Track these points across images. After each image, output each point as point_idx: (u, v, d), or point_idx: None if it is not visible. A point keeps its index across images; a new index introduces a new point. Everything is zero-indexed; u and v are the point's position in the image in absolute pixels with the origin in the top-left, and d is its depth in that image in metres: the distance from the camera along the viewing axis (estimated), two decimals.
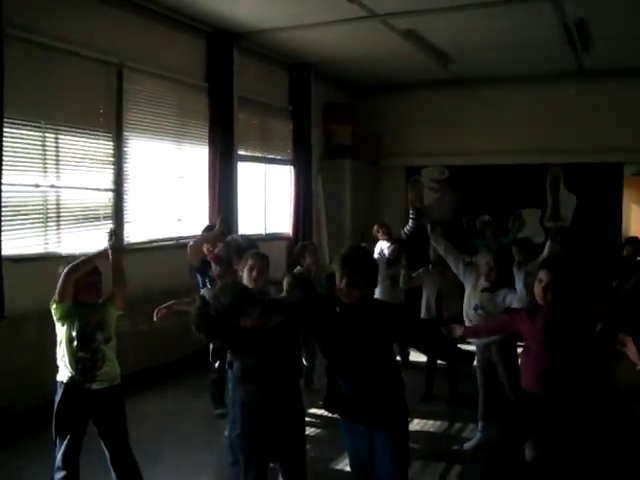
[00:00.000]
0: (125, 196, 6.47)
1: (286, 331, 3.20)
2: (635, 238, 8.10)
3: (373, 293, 3.06)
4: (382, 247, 7.34)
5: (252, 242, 5.20)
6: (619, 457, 4.55)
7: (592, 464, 3.69)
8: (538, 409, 3.69)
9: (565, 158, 9.82)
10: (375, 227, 7.52)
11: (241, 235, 6.08)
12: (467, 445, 4.95)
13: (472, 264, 5.03)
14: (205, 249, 5.01)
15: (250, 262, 3.99)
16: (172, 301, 4.03)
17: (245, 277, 3.96)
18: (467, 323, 4.82)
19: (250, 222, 8.55)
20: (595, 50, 8.30)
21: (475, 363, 4.98)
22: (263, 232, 8.82)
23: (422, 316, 6.05)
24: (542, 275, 3.59)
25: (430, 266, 6.10)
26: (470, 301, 4.84)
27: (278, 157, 9.26)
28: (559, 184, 10.03)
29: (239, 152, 8.07)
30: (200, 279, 5.41)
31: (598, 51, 8.35)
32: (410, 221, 7.56)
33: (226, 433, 4.68)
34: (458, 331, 3.86)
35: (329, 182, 9.92)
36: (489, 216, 8.30)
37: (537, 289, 3.61)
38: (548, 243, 5.41)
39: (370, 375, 3.03)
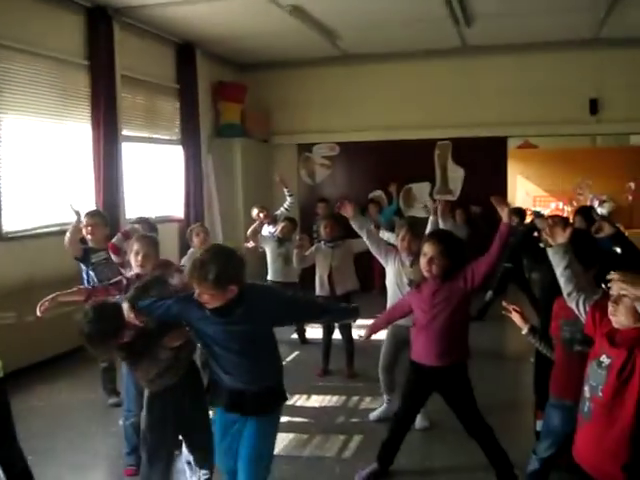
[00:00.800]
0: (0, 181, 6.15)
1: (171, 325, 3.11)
2: (519, 208, 8.43)
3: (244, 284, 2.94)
4: (268, 229, 7.31)
5: (152, 226, 5.07)
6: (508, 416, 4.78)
7: (484, 428, 3.80)
8: (429, 379, 3.79)
9: (452, 133, 10.10)
10: (254, 211, 7.41)
11: (141, 218, 5.87)
12: (372, 415, 5.03)
13: (391, 245, 5.03)
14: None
15: (135, 247, 3.87)
16: (56, 293, 3.85)
17: (132, 262, 3.85)
18: (394, 296, 4.81)
19: (138, 205, 8.31)
20: (477, 26, 8.53)
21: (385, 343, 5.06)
22: (153, 215, 8.58)
23: (317, 293, 6.04)
24: (426, 248, 3.67)
25: (322, 243, 6.09)
26: (402, 279, 4.73)
27: (166, 137, 9.03)
28: (447, 158, 10.30)
29: (124, 132, 7.80)
30: (83, 268, 5.26)
31: (480, 27, 8.58)
32: (288, 198, 7.58)
33: (120, 422, 4.56)
34: (369, 331, 4.08)
35: (220, 162, 9.78)
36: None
37: (422, 262, 3.69)
38: (431, 218, 5.47)
39: (250, 364, 2.99)
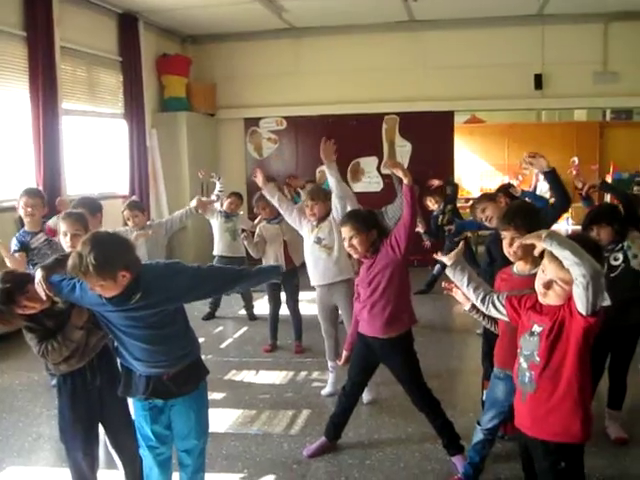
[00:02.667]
0: None
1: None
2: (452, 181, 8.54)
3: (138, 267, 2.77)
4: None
5: (95, 205, 4.84)
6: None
7: (431, 400, 3.84)
8: (374, 351, 3.80)
9: (400, 107, 10.12)
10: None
11: (82, 199, 5.66)
12: (324, 391, 5.03)
13: (301, 210, 5.02)
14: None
15: (62, 227, 3.74)
16: None
17: (62, 244, 3.72)
18: (311, 262, 4.89)
19: (81, 181, 8.11)
20: (424, 0, 8.51)
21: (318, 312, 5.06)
22: (96, 192, 8.38)
23: None
24: (344, 233, 3.70)
25: (265, 222, 6.04)
26: (311, 239, 4.82)
27: (109, 111, 8.82)
28: (395, 132, 10.30)
29: (64, 106, 7.58)
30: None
31: (427, 1, 8.59)
32: (217, 184, 7.47)
33: None
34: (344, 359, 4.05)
35: (165, 136, 9.60)
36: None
37: (346, 247, 3.73)
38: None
39: (161, 349, 2.85)
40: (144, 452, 3.03)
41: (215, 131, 10.71)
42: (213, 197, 6.75)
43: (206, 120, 10.43)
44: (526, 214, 3.21)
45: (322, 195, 4.88)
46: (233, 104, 10.55)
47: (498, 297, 2.77)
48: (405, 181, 3.58)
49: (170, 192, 9.50)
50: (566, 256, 2.24)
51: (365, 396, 4.72)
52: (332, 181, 4.71)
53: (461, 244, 3.03)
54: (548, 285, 2.47)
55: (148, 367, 2.87)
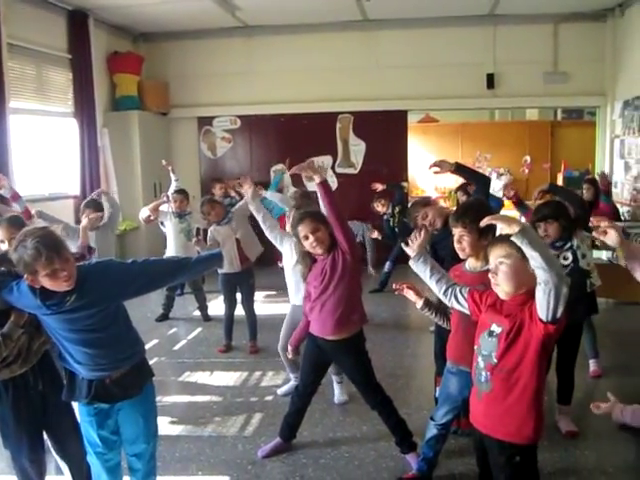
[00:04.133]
0: None
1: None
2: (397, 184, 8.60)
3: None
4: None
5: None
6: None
7: (383, 399, 3.84)
8: (325, 351, 3.79)
9: (353, 106, 10.12)
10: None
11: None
12: (280, 390, 5.01)
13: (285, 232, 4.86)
14: None
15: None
16: None
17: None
18: (292, 283, 4.72)
19: (30, 182, 7.92)
20: (378, 0, 8.54)
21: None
22: (46, 192, 8.21)
23: (225, 271, 5.92)
24: (302, 231, 3.63)
25: (215, 225, 5.97)
26: (294, 259, 4.63)
27: (58, 110, 8.64)
28: (348, 131, 10.32)
29: (12, 104, 7.38)
30: None
31: (381, 1, 8.60)
32: (174, 183, 7.46)
33: None
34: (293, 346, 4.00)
35: (117, 135, 9.43)
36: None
37: (305, 244, 3.67)
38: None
39: (102, 351, 2.79)
40: (92, 459, 2.97)
41: (168, 130, 10.57)
42: (163, 198, 6.64)
43: (159, 119, 10.29)
44: (477, 211, 3.22)
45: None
46: (186, 103, 10.43)
47: (460, 290, 2.78)
48: (316, 179, 3.58)
49: (122, 192, 9.33)
50: (535, 257, 2.23)
51: (337, 397, 4.79)
52: (258, 218, 4.50)
53: (423, 233, 2.99)
54: (495, 270, 2.49)
55: (90, 370, 2.80)
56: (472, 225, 3.12)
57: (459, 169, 4.35)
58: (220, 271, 5.93)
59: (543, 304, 2.29)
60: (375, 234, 7.59)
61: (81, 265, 2.75)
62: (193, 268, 3.07)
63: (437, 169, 4.30)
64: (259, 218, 4.46)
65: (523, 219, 4.44)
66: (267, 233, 4.47)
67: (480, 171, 4.78)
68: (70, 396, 2.88)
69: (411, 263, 2.94)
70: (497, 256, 2.47)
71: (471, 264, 3.27)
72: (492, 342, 2.53)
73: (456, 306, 2.84)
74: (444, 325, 3.40)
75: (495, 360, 2.51)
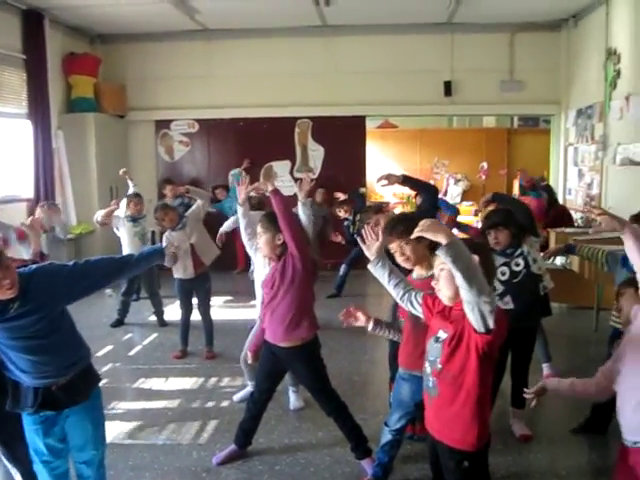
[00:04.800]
0: None
1: None
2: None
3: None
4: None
5: None
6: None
7: (337, 405, 3.84)
8: (279, 358, 3.78)
9: (312, 111, 10.13)
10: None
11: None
12: (236, 397, 4.96)
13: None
14: None
15: None
16: None
17: None
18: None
19: None
20: (336, 5, 8.57)
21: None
22: None
23: (180, 276, 5.86)
24: (257, 229, 3.71)
25: (169, 232, 5.86)
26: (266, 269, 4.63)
27: (12, 111, 8.44)
28: (307, 136, 10.32)
29: None
30: None
31: (339, 7, 8.63)
32: (132, 188, 7.35)
33: None
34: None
35: (72, 137, 9.26)
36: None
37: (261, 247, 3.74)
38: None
39: (47, 358, 2.74)
40: (38, 467, 2.90)
41: (125, 133, 10.44)
42: (113, 204, 6.51)
43: (115, 122, 10.15)
44: (406, 222, 3.20)
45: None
46: (144, 106, 10.31)
47: (415, 295, 2.79)
48: (269, 187, 3.64)
49: (78, 195, 9.20)
50: (456, 276, 2.24)
51: (292, 403, 4.77)
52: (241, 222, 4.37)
53: (381, 237, 2.98)
54: (437, 276, 2.50)
55: (35, 378, 2.75)
56: (406, 235, 3.12)
57: (406, 181, 4.39)
58: (175, 276, 5.88)
59: (471, 318, 2.31)
60: (339, 238, 7.63)
61: (22, 271, 2.68)
62: (137, 264, 3.08)
63: (385, 182, 4.33)
64: (243, 223, 4.29)
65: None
66: (245, 240, 4.35)
67: (428, 181, 4.82)
68: (14, 406, 2.81)
69: (370, 266, 2.93)
70: (439, 262, 2.48)
71: (417, 272, 3.31)
72: (437, 348, 2.54)
73: (412, 311, 2.85)
74: (395, 339, 3.46)
75: (440, 366, 2.52)
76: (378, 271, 2.89)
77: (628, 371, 2.46)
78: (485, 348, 2.35)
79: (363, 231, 2.94)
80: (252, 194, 5.62)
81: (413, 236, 2.35)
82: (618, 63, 7.72)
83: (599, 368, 2.70)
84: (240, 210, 4.26)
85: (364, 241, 2.91)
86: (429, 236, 2.26)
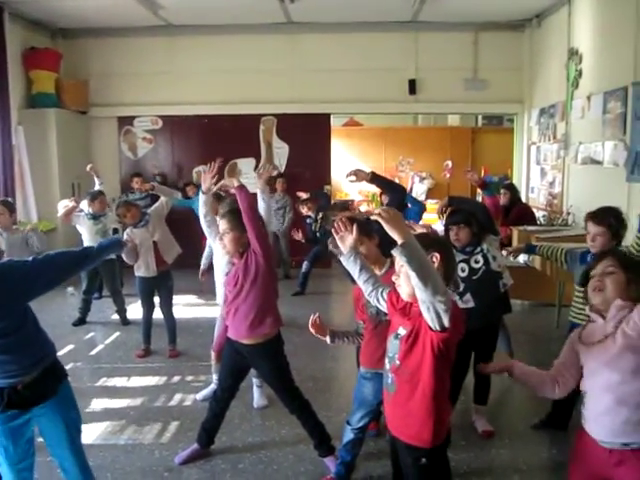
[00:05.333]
0: None
1: None
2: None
3: None
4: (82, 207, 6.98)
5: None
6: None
7: (301, 403, 3.83)
8: (242, 356, 3.76)
9: (277, 108, 10.11)
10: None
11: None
12: (199, 395, 4.93)
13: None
14: None
15: None
16: None
17: None
18: (222, 274, 4.66)
19: None
20: (301, 2, 8.54)
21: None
22: None
23: (142, 274, 5.79)
24: (221, 226, 3.69)
25: (131, 229, 5.81)
26: (225, 258, 4.57)
27: None
28: (272, 134, 10.29)
29: None
30: None
31: (304, 3, 8.61)
32: (98, 187, 7.23)
33: None
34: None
35: (32, 133, 9.09)
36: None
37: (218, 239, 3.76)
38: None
39: (11, 358, 2.70)
40: (3, 469, 2.86)
41: (87, 129, 10.28)
42: (72, 202, 6.39)
43: (77, 118, 10.00)
44: (361, 222, 3.19)
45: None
46: (106, 102, 10.17)
47: (382, 292, 2.77)
48: (235, 183, 3.62)
49: (39, 192, 9.05)
50: (411, 276, 2.23)
51: (256, 401, 4.75)
52: (202, 210, 4.37)
53: (355, 231, 2.96)
54: (398, 272, 2.50)
55: (1, 379, 2.70)
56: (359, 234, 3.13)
57: (375, 179, 4.40)
58: (137, 274, 5.81)
59: (427, 316, 2.31)
60: (299, 235, 7.62)
61: None
62: (96, 256, 3.08)
63: (353, 178, 4.33)
64: (204, 211, 4.32)
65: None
66: (205, 227, 4.42)
67: (396, 180, 4.87)
68: None
69: (342, 259, 2.90)
70: (392, 252, 2.47)
71: (375, 271, 3.31)
72: (396, 344, 2.54)
73: (380, 307, 2.85)
74: (357, 343, 3.46)
75: (398, 362, 2.52)
76: (350, 265, 2.86)
77: (603, 372, 2.42)
78: (441, 345, 2.35)
79: (335, 224, 2.92)
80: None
81: (373, 217, 2.30)
82: (580, 63, 7.82)
83: (555, 362, 2.69)
84: (203, 198, 4.26)
85: (337, 232, 2.89)
86: (387, 227, 2.24)
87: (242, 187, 3.64)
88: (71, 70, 10.03)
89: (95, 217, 6.69)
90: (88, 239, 6.70)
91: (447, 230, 4.14)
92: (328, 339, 3.31)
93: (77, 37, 10.10)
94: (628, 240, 3.94)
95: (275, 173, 9.49)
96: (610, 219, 3.82)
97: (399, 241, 2.21)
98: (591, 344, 2.48)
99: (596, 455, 2.45)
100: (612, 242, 3.82)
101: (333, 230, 2.93)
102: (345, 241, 2.86)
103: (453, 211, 4.27)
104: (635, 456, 2.37)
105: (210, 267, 5.30)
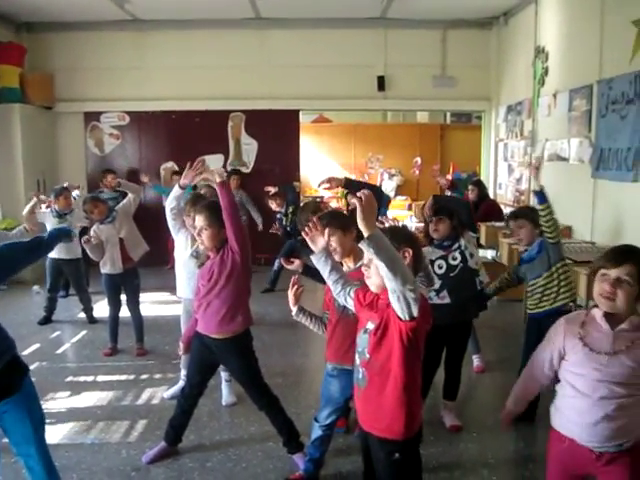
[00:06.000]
0: None
1: None
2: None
3: None
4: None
5: None
6: None
7: (269, 399, 3.82)
8: (211, 351, 3.74)
9: (245, 105, 10.05)
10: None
11: None
12: (166, 394, 4.89)
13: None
14: None
15: None
16: None
17: None
18: (183, 275, 4.69)
19: None
20: None
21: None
22: None
23: (107, 272, 5.73)
24: (197, 221, 3.65)
25: (97, 225, 5.75)
26: (188, 251, 4.66)
27: None
28: (240, 130, 10.23)
29: None
30: None
31: None
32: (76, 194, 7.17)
33: None
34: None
35: None
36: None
37: (195, 235, 3.73)
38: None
39: None
40: None
41: (53, 125, 10.12)
42: (33, 199, 6.24)
43: (43, 113, 9.83)
44: (332, 215, 3.32)
45: None
46: (73, 97, 10.01)
47: (349, 291, 2.77)
48: (217, 179, 3.58)
49: (2, 190, 8.90)
50: (380, 266, 2.23)
51: (225, 399, 4.72)
52: (171, 204, 4.44)
53: (326, 233, 2.95)
54: (368, 263, 2.49)
55: None
56: (331, 226, 3.18)
57: (349, 184, 4.40)
58: (103, 271, 5.75)
59: (396, 306, 2.31)
60: (275, 230, 7.60)
61: None
62: (47, 245, 3.10)
63: (327, 185, 4.32)
64: (174, 204, 4.37)
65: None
66: (169, 219, 4.48)
67: (370, 182, 4.90)
68: None
69: (313, 257, 2.89)
70: (360, 245, 2.46)
71: (346, 265, 3.34)
72: (365, 339, 2.55)
73: (347, 305, 2.84)
74: (319, 332, 3.44)
75: (367, 355, 2.52)
76: (320, 264, 2.85)
77: (609, 385, 2.36)
78: (410, 335, 2.35)
79: (307, 226, 2.91)
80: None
81: (353, 200, 2.26)
82: (546, 61, 7.89)
83: (536, 358, 2.67)
84: (177, 192, 4.30)
85: (307, 234, 2.88)
86: (361, 214, 2.21)
87: (224, 183, 3.59)
88: (36, 65, 9.87)
89: (60, 215, 6.58)
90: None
91: (427, 222, 4.18)
92: (294, 310, 3.30)
93: (42, 31, 9.94)
94: None
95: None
96: (527, 211, 4.28)
97: (366, 233, 2.20)
98: (595, 352, 2.37)
99: (581, 456, 2.44)
100: (535, 231, 4.18)
101: (303, 232, 2.92)
102: (316, 242, 2.86)
103: (435, 204, 4.31)
104: (625, 454, 2.38)
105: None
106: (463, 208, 4.35)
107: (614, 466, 2.39)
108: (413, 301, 2.26)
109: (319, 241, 2.86)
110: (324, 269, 2.85)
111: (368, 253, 2.25)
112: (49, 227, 6.58)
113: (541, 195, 4.07)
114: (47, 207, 6.61)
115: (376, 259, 2.22)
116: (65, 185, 6.98)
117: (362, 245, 2.22)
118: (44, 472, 2.98)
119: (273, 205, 8.06)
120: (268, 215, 8.59)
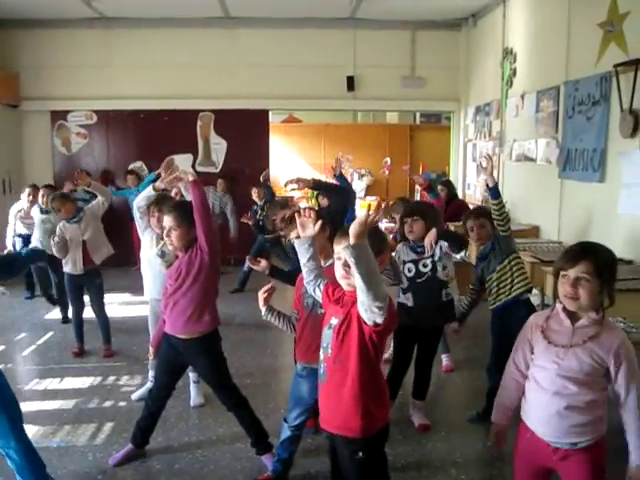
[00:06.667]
0: None
1: None
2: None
3: None
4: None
5: None
6: None
7: (238, 399, 3.79)
8: (179, 351, 3.71)
9: (214, 104, 10.00)
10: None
11: None
12: (134, 395, 4.83)
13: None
14: None
15: None
16: None
17: None
18: (149, 275, 4.68)
19: None
20: None
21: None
22: None
23: (69, 271, 5.66)
24: (165, 221, 3.63)
25: (64, 223, 5.68)
26: (153, 250, 4.62)
27: None
28: (209, 129, 10.18)
29: None
30: None
31: None
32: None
33: None
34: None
35: None
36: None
37: (164, 236, 3.69)
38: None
39: None
40: None
41: (19, 124, 9.98)
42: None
43: (7, 111, 9.69)
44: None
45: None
46: (39, 95, 9.88)
47: (320, 284, 2.78)
48: (190, 178, 3.57)
49: None
50: (356, 277, 2.22)
51: (193, 400, 4.68)
52: (141, 203, 4.43)
53: (318, 223, 2.93)
54: (346, 264, 2.47)
55: None
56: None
57: (317, 185, 4.42)
58: (65, 270, 5.70)
59: (363, 314, 2.32)
60: (246, 219, 7.60)
61: None
62: (22, 263, 3.16)
63: (294, 186, 4.31)
64: (143, 203, 4.37)
65: None
66: (137, 217, 4.49)
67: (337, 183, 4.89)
68: None
69: (296, 241, 2.88)
70: (343, 247, 2.46)
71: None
72: (329, 334, 2.55)
73: (315, 297, 2.86)
74: (287, 332, 3.44)
75: (330, 351, 2.52)
76: (302, 250, 2.84)
77: (561, 380, 2.39)
78: (374, 338, 2.37)
79: (301, 210, 2.89)
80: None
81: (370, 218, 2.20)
82: (514, 62, 7.97)
83: (512, 361, 2.66)
84: (149, 193, 4.29)
85: (299, 216, 2.85)
86: (356, 225, 2.17)
87: (197, 182, 3.55)
88: (0, 62, 9.71)
89: (43, 211, 6.67)
90: (37, 237, 6.71)
91: (402, 223, 4.21)
92: (264, 310, 3.29)
93: (6, 28, 9.77)
94: None
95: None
96: (488, 210, 4.34)
97: (352, 241, 2.17)
98: (554, 345, 2.43)
99: (541, 448, 2.47)
100: (491, 230, 4.30)
101: (296, 213, 2.90)
102: (305, 227, 2.83)
103: (409, 204, 4.33)
104: (580, 452, 2.40)
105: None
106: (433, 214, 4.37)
107: (570, 462, 2.42)
108: (379, 315, 2.27)
109: (308, 227, 2.83)
110: (304, 255, 2.84)
111: (349, 260, 2.23)
112: (36, 220, 6.58)
113: (495, 191, 4.27)
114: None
115: (354, 268, 2.20)
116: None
117: (345, 250, 2.21)
118: (25, 462, 3.03)
119: (254, 195, 8.03)
120: (247, 206, 8.46)
